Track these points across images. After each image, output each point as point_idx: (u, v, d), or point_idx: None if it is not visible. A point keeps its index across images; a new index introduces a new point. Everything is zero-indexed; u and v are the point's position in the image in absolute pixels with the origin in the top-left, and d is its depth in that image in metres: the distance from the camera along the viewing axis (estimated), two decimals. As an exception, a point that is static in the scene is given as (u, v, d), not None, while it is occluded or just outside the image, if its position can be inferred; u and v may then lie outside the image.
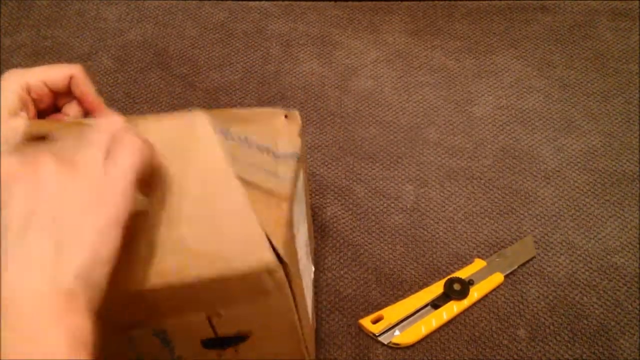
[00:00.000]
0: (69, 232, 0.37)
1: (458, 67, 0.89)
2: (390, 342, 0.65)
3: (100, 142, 0.41)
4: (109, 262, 0.38)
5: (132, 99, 0.85)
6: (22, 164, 0.38)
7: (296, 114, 0.53)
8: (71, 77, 0.52)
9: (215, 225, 0.45)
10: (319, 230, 0.73)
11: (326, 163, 0.79)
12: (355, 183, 0.77)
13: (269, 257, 0.44)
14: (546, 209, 0.76)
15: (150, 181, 0.44)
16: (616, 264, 0.72)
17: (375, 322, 0.66)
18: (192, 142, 0.46)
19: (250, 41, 0.91)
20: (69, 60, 0.85)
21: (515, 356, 0.65)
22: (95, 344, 0.36)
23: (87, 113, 0.54)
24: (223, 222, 0.45)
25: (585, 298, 0.69)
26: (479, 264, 0.71)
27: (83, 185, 0.39)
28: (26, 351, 0.34)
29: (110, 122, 0.43)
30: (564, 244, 0.73)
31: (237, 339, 0.51)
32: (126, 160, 0.40)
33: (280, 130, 0.52)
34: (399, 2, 0.96)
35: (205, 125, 0.47)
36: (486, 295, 0.69)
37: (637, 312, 0.68)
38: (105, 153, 0.40)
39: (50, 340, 0.35)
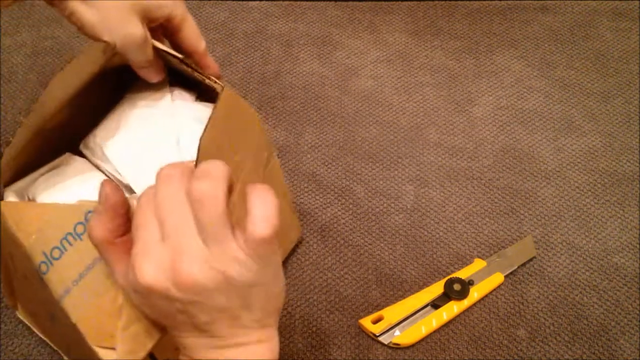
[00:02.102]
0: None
1: (458, 67, 0.89)
2: (390, 342, 0.65)
3: None
4: None
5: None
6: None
7: None
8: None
9: None
10: (319, 230, 0.73)
11: (326, 163, 0.79)
12: (355, 183, 0.77)
13: None
14: (546, 209, 0.76)
15: None
16: (616, 264, 0.72)
17: (375, 322, 0.66)
18: None
19: (250, 41, 0.91)
20: (70, 58, 0.85)
21: (516, 356, 0.65)
22: None
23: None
24: None
25: (585, 298, 0.69)
26: (479, 264, 0.71)
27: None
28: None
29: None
30: (564, 244, 0.73)
31: None
32: None
33: None
34: (400, 2, 0.96)
35: None
36: (486, 296, 0.69)
37: (638, 312, 0.68)
38: None
39: None
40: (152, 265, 0.39)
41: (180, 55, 0.54)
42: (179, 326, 0.41)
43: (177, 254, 0.38)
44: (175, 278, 0.38)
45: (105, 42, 0.50)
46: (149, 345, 0.46)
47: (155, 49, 0.53)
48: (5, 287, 0.62)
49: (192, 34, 0.55)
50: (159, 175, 0.41)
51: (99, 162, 0.55)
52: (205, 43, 0.56)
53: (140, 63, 0.53)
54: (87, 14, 0.49)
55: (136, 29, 0.50)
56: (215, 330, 0.41)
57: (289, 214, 0.69)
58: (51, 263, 0.46)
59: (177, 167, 0.41)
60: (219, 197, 0.39)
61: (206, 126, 0.46)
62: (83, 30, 0.50)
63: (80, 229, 0.46)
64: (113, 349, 0.46)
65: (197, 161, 0.44)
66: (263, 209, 0.39)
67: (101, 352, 0.46)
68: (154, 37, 0.53)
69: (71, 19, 0.49)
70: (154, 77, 0.55)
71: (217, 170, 0.39)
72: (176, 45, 0.56)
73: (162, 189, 0.40)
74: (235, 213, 0.40)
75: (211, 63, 0.57)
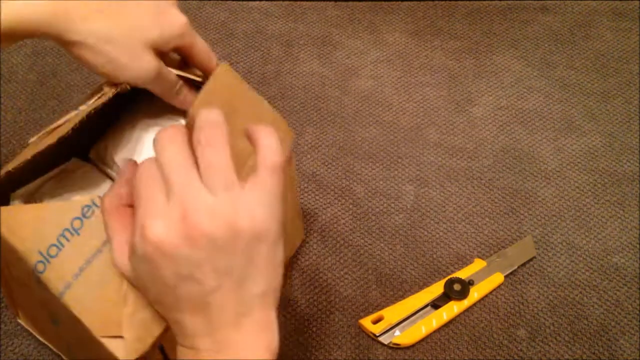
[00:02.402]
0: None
1: (458, 67, 0.89)
2: (390, 342, 0.65)
3: None
4: None
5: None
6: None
7: None
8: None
9: None
10: (319, 231, 0.73)
11: (326, 163, 0.79)
12: (355, 183, 0.77)
13: None
14: (546, 209, 0.76)
15: None
16: (616, 264, 0.72)
17: (375, 322, 0.66)
18: None
19: (250, 41, 0.91)
20: (70, 61, 0.85)
21: (516, 356, 0.65)
22: None
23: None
24: None
25: (585, 298, 0.69)
26: (479, 264, 0.71)
27: None
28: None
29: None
30: (564, 244, 0.73)
31: None
32: None
33: None
34: (399, 2, 0.96)
35: None
36: (486, 296, 0.69)
37: (638, 312, 0.68)
38: None
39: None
40: (161, 221, 0.39)
41: (198, 78, 0.54)
42: (179, 304, 0.41)
43: (185, 208, 0.39)
44: (186, 231, 0.38)
45: (118, 84, 0.50)
46: (156, 332, 0.46)
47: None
48: (6, 297, 0.62)
49: (203, 55, 0.54)
50: (156, 139, 0.41)
51: (108, 170, 0.55)
52: (216, 59, 0.55)
53: (165, 93, 0.53)
54: (94, 58, 0.48)
55: (148, 64, 0.49)
56: (217, 304, 0.40)
57: (296, 220, 0.69)
58: (48, 261, 0.46)
59: (174, 127, 0.42)
60: (223, 138, 0.40)
61: (198, 95, 0.46)
62: (93, 71, 0.49)
63: (77, 223, 0.46)
64: (120, 337, 0.46)
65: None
66: (270, 140, 0.41)
67: (107, 342, 0.46)
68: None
69: (78, 61, 0.49)
70: (187, 103, 0.54)
71: (215, 116, 0.41)
72: (187, 66, 0.56)
73: (163, 149, 0.41)
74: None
75: None
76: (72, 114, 0.50)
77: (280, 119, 0.56)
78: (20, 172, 0.48)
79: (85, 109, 0.50)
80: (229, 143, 0.40)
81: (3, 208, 0.47)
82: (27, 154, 0.48)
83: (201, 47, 0.53)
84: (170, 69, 0.52)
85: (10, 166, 0.48)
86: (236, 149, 0.41)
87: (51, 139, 0.48)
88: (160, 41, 0.50)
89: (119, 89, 0.50)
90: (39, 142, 0.50)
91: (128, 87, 0.50)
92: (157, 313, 0.45)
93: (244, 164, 0.44)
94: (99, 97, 0.50)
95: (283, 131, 0.57)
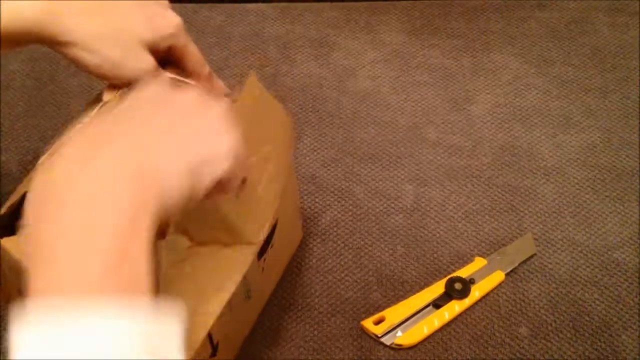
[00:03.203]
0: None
1: (456, 65, 0.89)
2: (392, 343, 0.65)
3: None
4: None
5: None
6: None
7: None
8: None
9: None
10: (319, 233, 0.73)
11: (325, 164, 0.79)
12: (354, 184, 0.77)
13: None
14: (546, 206, 0.76)
15: None
16: (617, 259, 0.72)
17: (377, 323, 0.66)
18: None
19: (247, 44, 0.91)
20: (67, 66, 0.85)
21: (518, 354, 0.65)
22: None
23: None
24: None
25: (586, 295, 0.69)
26: (479, 262, 0.71)
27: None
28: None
29: None
30: (564, 240, 0.73)
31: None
32: None
33: None
34: (396, 1, 0.96)
35: None
36: (487, 294, 0.69)
37: (639, 307, 0.68)
38: None
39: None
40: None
41: (192, 82, 0.54)
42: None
43: None
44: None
45: (115, 85, 0.50)
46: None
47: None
48: None
49: (195, 60, 0.54)
50: None
51: None
52: (209, 67, 0.56)
53: None
54: (90, 57, 0.48)
55: (144, 62, 0.50)
56: None
57: (296, 219, 0.69)
58: None
59: None
60: None
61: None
62: (89, 72, 0.49)
63: None
64: None
65: None
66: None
67: None
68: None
69: (74, 63, 0.49)
70: None
71: None
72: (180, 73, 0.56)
73: None
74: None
75: (217, 84, 0.57)
76: (77, 126, 0.50)
77: (289, 120, 0.59)
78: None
79: (85, 121, 0.50)
80: None
81: (5, 240, 0.47)
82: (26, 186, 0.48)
83: (194, 51, 0.54)
84: (165, 71, 0.52)
85: (13, 198, 0.48)
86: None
87: None
88: (154, 40, 0.50)
89: (119, 93, 0.50)
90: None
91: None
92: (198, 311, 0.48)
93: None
94: (100, 107, 0.50)
95: (289, 132, 0.59)
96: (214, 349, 0.53)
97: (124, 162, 0.37)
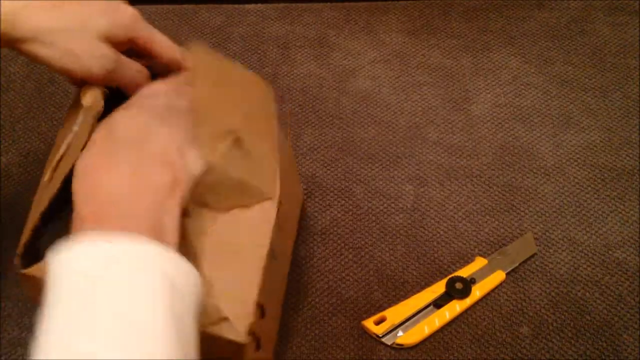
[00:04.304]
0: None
1: (455, 65, 0.89)
2: (393, 342, 0.65)
3: None
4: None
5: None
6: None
7: None
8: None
9: None
10: (320, 233, 0.73)
11: (325, 164, 0.79)
12: (354, 184, 0.77)
13: None
14: (546, 206, 0.76)
15: None
16: (618, 259, 0.71)
17: (378, 323, 0.66)
18: None
19: (247, 44, 0.91)
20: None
21: (519, 354, 0.65)
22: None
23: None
24: None
25: (587, 294, 0.69)
26: (480, 262, 0.71)
27: None
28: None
29: None
30: (565, 240, 0.73)
31: None
32: None
33: None
34: (395, 1, 0.96)
35: None
36: (488, 294, 0.69)
37: (640, 307, 0.68)
38: None
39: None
40: None
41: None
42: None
43: None
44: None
45: (83, 83, 0.51)
46: (252, 297, 0.51)
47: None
48: None
49: (165, 48, 0.55)
50: None
51: None
52: (179, 50, 0.56)
53: (131, 85, 0.53)
54: (48, 51, 0.49)
55: (104, 53, 0.50)
56: None
57: (295, 175, 0.72)
58: None
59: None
60: None
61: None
62: (53, 68, 0.50)
63: None
64: (225, 319, 0.49)
65: None
66: None
67: (217, 330, 0.50)
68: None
69: (36, 60, 0.49)
70: None
71: None
72: (155, 66, 0.56)
73: None
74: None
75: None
76: (69, 137, 0.50)
77: (260, 80, 0.60)
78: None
79: (77, 130, 0.50)
80: None
81: None
82: (35, 214, 0.49)
83: (161, 39, 0.54)
84: (133, 60, 0.53)
85: (27, 233, 0.49)
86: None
87: (53, 187, 0.49)
88: (111, 32, 0.50)
89: (100, 93, 0.51)
90: (43, 192, 0.50)
91: (106, 91, 0.51)
92: (245, 281, 0.50)
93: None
94: (86, 110, 0.50)
95: (263, 90, 0.60)
96: (262, 311, 0.53)
97: (158, 154, 0.47)
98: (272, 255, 0.55)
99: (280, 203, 0.56)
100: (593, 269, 0.71)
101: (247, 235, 0.54)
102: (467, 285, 0.68)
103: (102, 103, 0.51)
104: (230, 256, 0.52)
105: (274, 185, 0.56)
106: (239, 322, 0.49)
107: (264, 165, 0.56)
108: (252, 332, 0.50)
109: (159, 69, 0.55)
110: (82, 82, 0.52)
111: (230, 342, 0.49)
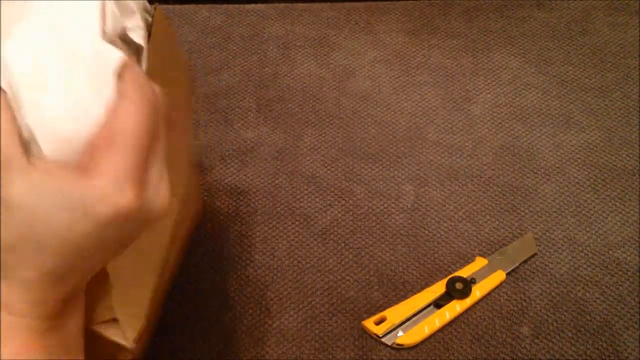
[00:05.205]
0: None
1: (456, 65, 0.89)
2: (394, 343, 0.65)
3: None
4: None
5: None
6: None
7: None
8: None
9: None
10: (320, 233, 0.73)
11: (325, 164, 0.79)
12: (354, 184, 0.77)
13: None
14: (547, 206, 0.76)
15: None
16: (618, 259, 0.72)
17: (378, 323, 0.66)
18: None
19: (247, 44, 0.91)
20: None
21: (519, 354, 0.65)
22: None
23: None
24: None
25: (588, 294, 0.69)
26: (480, 262, 0.71)
27: None
28: None
29: None
30: (565, 240, 0.73)
31: None
32: None
33: None
34: (395, 1, 0.96)
35: None
36: (488, 294, 0.69)
37: (640, 307, 0.68)
38: None
39: None
40: None
41: None
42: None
43: None
44: None
45: None
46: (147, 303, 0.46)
47: None
48: None
49: None
50: None
51: None
52: None
53: None
54: None
55: None
56: None
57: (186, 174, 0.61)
58: None
59: None
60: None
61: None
62: None
63: None
64: (113, 320, 0.44)
65: None
66: None
67: (103, 330, 0.45)
68: None
69: None
70: None
71: None
72: None
73: None
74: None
75: None
76: None
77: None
78: None
79: None
80: None
81: None
82: None
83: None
84: None
85: None
86: None
87: None
88: None
89: None
90: None
91: None
92: (142, 283, 0.45)
93: None
94: None
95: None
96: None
97: None
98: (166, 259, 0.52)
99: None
100: (593, 269, 0.71)
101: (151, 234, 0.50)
102: (467, 285, 0.68)
103: None
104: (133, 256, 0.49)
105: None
106: (129, 325, 0.45)
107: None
108: (140, 338, 0.46)
109: None
110: None
111: (116, 345, 0.45)
